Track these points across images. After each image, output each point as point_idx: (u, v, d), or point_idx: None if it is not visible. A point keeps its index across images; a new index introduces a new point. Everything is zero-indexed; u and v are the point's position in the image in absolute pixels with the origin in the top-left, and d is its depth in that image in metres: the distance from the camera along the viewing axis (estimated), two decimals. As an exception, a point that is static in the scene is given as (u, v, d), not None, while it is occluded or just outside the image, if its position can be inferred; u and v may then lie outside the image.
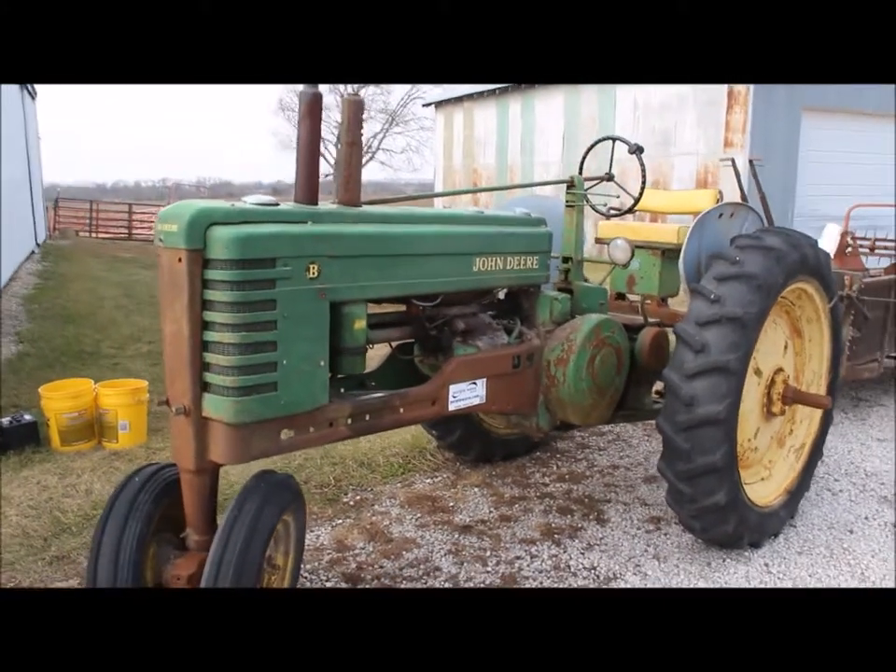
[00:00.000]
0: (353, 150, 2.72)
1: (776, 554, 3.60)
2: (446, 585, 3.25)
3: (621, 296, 4.65)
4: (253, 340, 2.36)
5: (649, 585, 3.30)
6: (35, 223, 17.44)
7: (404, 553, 3.51)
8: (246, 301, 2.34)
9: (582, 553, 3.55)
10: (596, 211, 4.25)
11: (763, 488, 3.80)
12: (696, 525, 3.43)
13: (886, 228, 8.17)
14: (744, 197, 5.54)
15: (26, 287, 11.69)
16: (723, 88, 14.08)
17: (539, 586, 3.27)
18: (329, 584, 3.23)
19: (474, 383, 3.19)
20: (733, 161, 5.59)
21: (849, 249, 6.59)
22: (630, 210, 4.09)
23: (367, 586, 3.22)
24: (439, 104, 24.48)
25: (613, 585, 3.29)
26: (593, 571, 3.40)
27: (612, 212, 4.35)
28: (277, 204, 2.53)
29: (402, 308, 3.15)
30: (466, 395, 3.17)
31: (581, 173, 3.99)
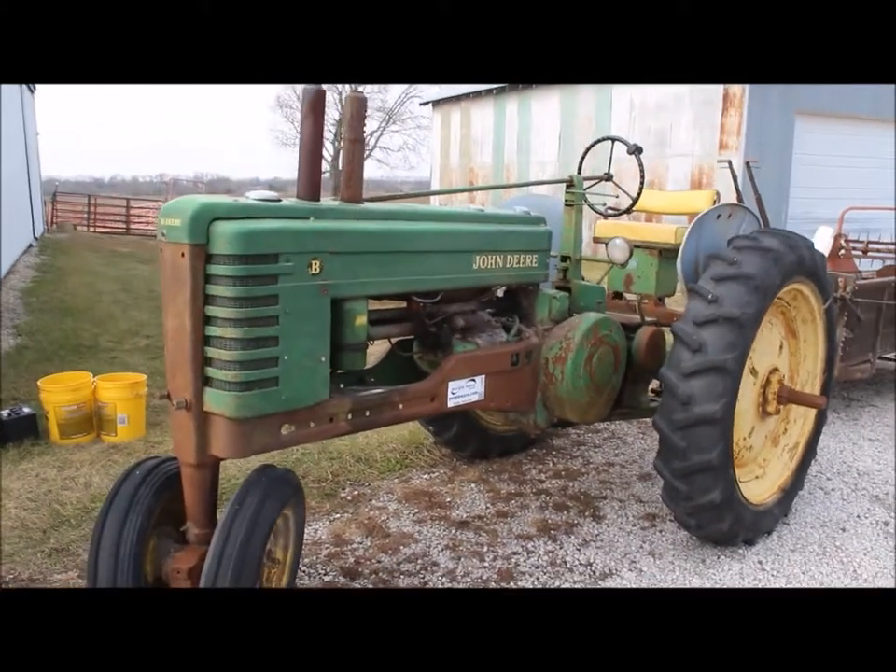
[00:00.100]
0: (355, 147, 2.74)
1: (769, 552, 3.64)
2: (443, 580, 3.28)
3: (618, 295, 4.69)
4: (255, 335, 2.38)
5: (644, 581, 3.33)
6: (32, 217, 17.42)
7: (402, 547, 3.54)
8: (249, 297, 2.36)
9: (578, 549, 3.58)
10: (595, 211, 4.28)
11: (758, 486, 3.84)
12: (692, 522, 3.46)
13: (878, 230, 8.22)
14: (740, 198, 5.58)
15: (24, 281, 11.68)
16: (719, 90, 14.13)
17: (536, 581, 3.29)
18: (327, 578, 3.26)
19: (473, 379, 3.22)
20: (729, 162, 5.63)
21: (842, 251, 6.64)
22: (628, 210, 4.12)
23: (365, 580, 3.24)
24: (436, 102, 24.47)
25: (609, 581, 3.33)
26: (588, 567, 3.43)
27: (610, 212, 4.38)
28: (280, 200, 2.55)
29: (402, 304, 3.18)
30: (465, 391, 3.19)
31: (579, 172, 4.01)
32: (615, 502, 4.13)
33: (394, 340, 3.40)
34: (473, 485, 4.28)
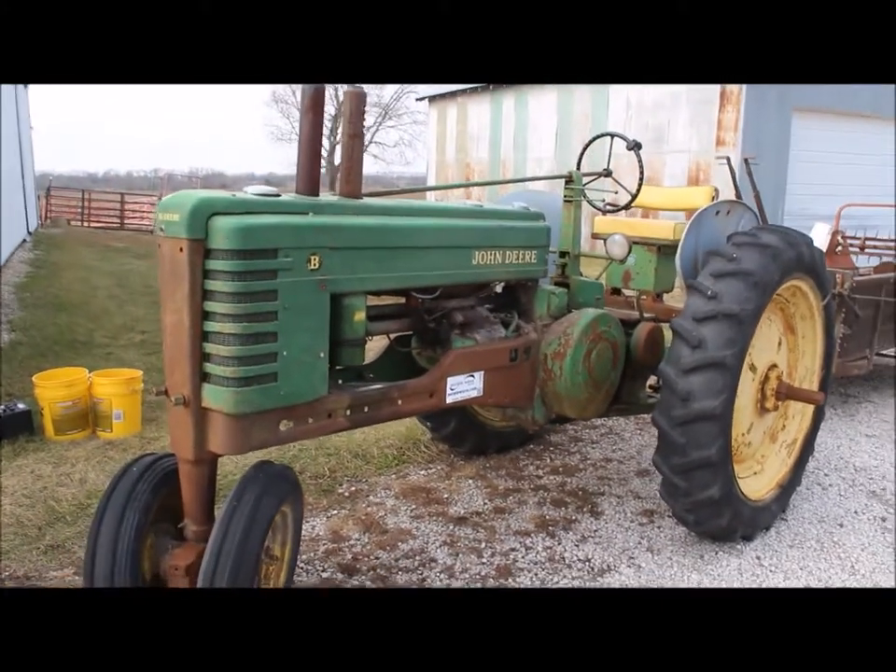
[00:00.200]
0: (354, 143, 2.73)
1: (767, 548, 3.64)
2: (442, 576, 3.27)
3: (616, 291, 4.68)
4: (254, 330, 2.37)
5: (643, 578, 3.33)
6: (26, 212, 17.34)
7: (399, 544, 3.53)
8: (248, 292, 2.34)
9: (577, 546, 3.58)
10: (594, 207, 4.27)
11: (756, 482, 3.84)
12: (690, 518, 3.46)
13: (875, 227, 8.24)
14: (738, 195, 5.57)
15: (18, 276, 11.61)
16: (716, 87, 14.15)
17: (534, 578, 3.29)
18: (325, 575, 3.24)
19: (472, 375, 3.21)
20: (728, 159, 5.63)
21: (839, 248, 6.64)
22: (627, 206, 4.11)
23: (363, 577, 3.23)
24: (432, 98, 24.43)
25: (607, 577, 3.32)
26: (587, 563, 3.43)
27: (609, 208, 4.37)
28: (279, 195, 2.53)
29: (401, 300, 3.16)
30: (463, 387, 3.18)
31: (578, 168, 4.00)
32: (613, 498, 4.12)
33: (392, 336, 3.39)
34: (471, 481, 4.27)
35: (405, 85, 41.79)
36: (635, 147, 3.84)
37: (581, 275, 3.92)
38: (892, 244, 7.34)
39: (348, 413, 2.75)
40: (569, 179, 3.82)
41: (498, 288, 3.63)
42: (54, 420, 4.73)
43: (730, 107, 14.02)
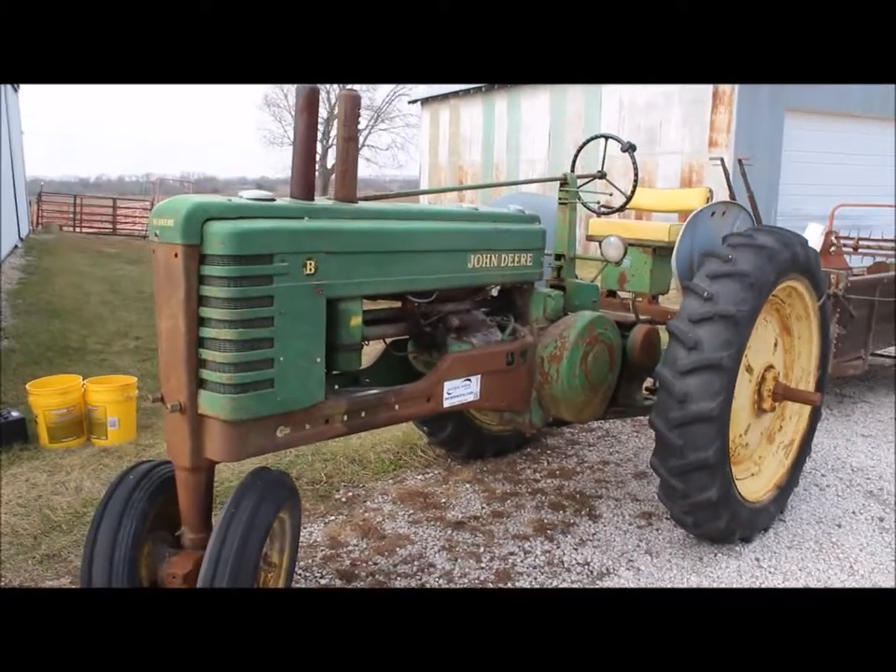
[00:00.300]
0: (349, 146, 2.72)
1: (766, 549, 3.64)
2: (441, 581, 3.26)
3: (612, 293, 4.68)
4: (250, 336, 2.35)
5: (642, 580, 3.32)
6: (18, 217, 17.27)
7: (398, 549, 3.51)
8: (243, 297, 2.33)
9: (575, 549, 3.57)
10: (588, 209, 4.27)
11: (754, 484, 3.83)
12: (689, 520, 3.45)
13: (869, 227, 8.27)
14: (732, 196, 5.59)
15: (10, 282, 11.56)
16: (708, 87, 14.18)
17: (534, 581, 3.28)
18: (323, 581, 3.23)
19: (468, 379, 3.19)
20: (722, 160, 5.64)
21: (833, 248, 6.66)
22: (622, 208, 4.11)
23: (362, 583, 3.22)
24: (425, 100, 24.42)
25: (607, 580, 3.31)
26: (586, 567, 3.42)
27: (604, 210, 4.37)
28: (274, 200, 2.52)
29: (397, 304, 3.15)
30: (460, 391, 3.17)
31: (573, 170, 4.00)
32: (611, 501, 4.12)
33: (388, 340, 3.37)
34: (468, 486, 4.26)
35: (397, 88, 41.81)
36: (629, 148, 3.84)
37: (577, 278, 3.92)
38: (887, 244, 7.36)
39: (345, 418, 2.74)
40: (564, 181, 3.82)
41: (494, 292, 3.63)
42: (49, 428, 4.69)
43: (722, 108, 14.06)
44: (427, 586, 3.22)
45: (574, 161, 4.17)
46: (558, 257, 3.84)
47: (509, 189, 8.26)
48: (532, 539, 3.64)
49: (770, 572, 3.42)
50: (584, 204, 4.12)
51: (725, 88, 13.89)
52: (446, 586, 3.23)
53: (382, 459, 4.56)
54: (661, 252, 4.28)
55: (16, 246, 16.35)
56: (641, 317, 4.06)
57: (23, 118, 20.55)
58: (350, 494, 4.11)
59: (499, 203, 4.08)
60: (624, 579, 3.33)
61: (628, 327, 3.85)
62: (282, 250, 2.40)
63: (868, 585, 3.34)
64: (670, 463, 3.30)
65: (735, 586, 3.30)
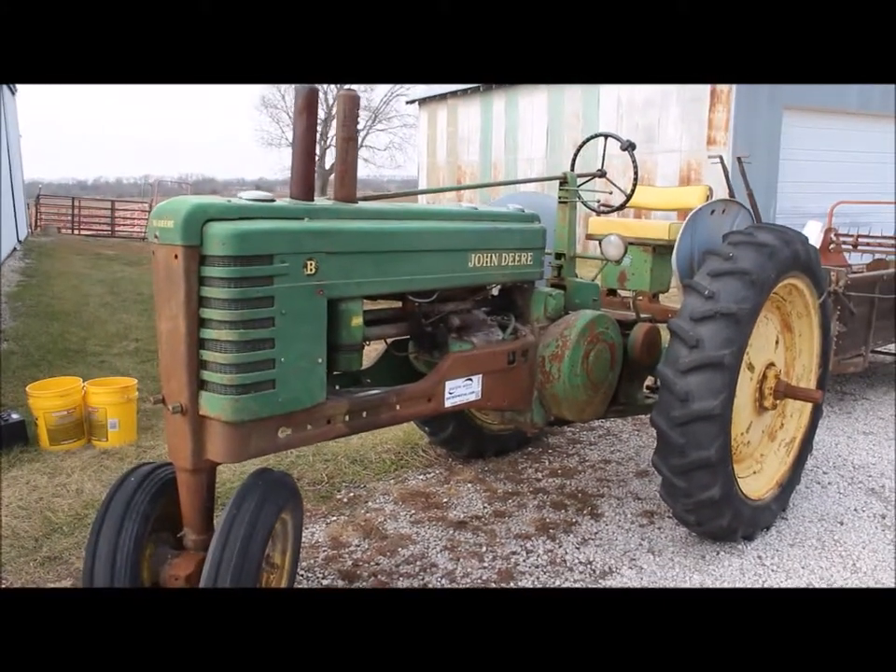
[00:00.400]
0: (349, 146, 2.71)
1: (768, 547, 3.63)
2: (443, 581, 3.25)
3: (612, 292, 4.67)
4: (251, 337, 2.34)
5: (644, 579, 3.32)
6: (16, 220, 17.26)
7: (400, 549, 3.51)
8: (244, 298, 2.32)
9: (578, 548, 3.57)
10: (588, 207, 4.26)
11: (756, 482, 3.83)
12: (691, 518, 3.45)
13: (868, 224, 8.27)
14: (731, 194, 5.58)
15: (9, 285, 11.54)
16: (706, 86, 14.18)
17: (536, 581, 3.27)
18: (325, 582, 3.22)
19: (470, 379, 3.19)
20: (721, 158, 5.63)
21: (832, 246, 6.66)
22: (622, 206, 4.10)
23: (364, 584, 3.21)
24: (422, 101, 24.42)
25: (609, 579, 3.31)
26: (588, 566, 3.41)
27: (604, 208, 4.36)
28: (273, 200, 2.51)
29: (398, 304, 3.15)
30: (461, 391, 3.16)
31: (573, 169, 3.99)
32: (613, 500, 4.11)
33: (389, 340, 3.37)
34: (470, 485, 4.25)
35: (395, 88, 41.81)
36: (629, 147, 3.84)
37: (577, 277, 3.91)
38: (886, 241, 7.36)
39: (347, 418, 2.73)
40: (564, 180, 3.81)
41: (495, 291, 3.62)
42: (49, 430, 4.68)
43: (720, 106, 14.07)
44: (430, 586, 3.21)
45: (574, 160, 4.16)
46: (558, 256, 3.83)
47: (507, 188, 8.26)
48: (534, 539, 3.64)
49: (773, 570, 3.42)
50: (584, 203, 4.11)
51: (723, 86, 13.90)
52: (448, 586, 3.22)
53: (383, 459, 4.56)
54: (661, 250, 4.28)
55: (15, 249, 16.35)
56: (642, 316, 4.05)
57: (21, 120, 20.52)
58: (351, 494, 4.11)
59: (499, 203, 4.07)
60: (627, 578, 3.33)
61: (629, 325, 3.84)
62: (282, 251, 2.39)
63: (871, 583, 3.33)
64: (672, 461, 3.29)
65: (737, 584, 3.30)
